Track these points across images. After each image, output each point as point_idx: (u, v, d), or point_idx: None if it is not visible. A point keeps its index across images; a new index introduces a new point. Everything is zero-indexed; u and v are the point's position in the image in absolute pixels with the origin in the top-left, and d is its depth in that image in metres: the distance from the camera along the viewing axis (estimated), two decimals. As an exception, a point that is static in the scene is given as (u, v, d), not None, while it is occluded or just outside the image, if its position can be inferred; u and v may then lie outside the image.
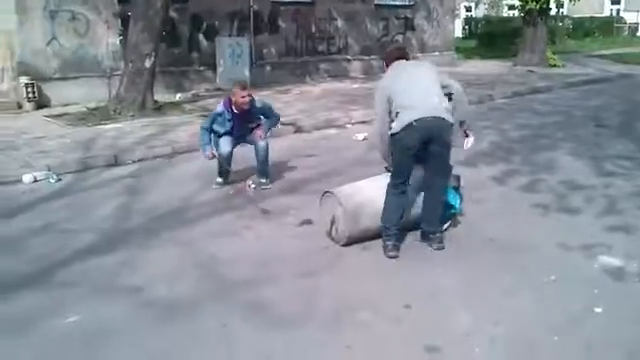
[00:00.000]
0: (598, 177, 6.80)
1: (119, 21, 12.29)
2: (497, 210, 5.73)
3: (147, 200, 6.22)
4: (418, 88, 4.54)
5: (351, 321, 3.69)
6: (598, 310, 3.73)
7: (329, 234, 4.96)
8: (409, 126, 4.40)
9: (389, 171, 4.85)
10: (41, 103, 11.41)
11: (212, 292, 4.08)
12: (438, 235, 4.76)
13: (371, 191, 4.85)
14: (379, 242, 4.79)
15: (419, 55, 17.74)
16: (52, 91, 11.67)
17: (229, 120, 6.31)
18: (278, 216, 5.63)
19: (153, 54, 10.60)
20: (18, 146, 8.28)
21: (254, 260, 4.61)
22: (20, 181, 6.80)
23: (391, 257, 4.63)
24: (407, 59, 4.93)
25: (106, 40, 12.28)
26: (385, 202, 4.71)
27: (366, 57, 17.17)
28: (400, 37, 17.94)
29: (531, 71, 17.90)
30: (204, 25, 13.76)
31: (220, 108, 6.34)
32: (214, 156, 6.33)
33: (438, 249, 4.71)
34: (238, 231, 5.26)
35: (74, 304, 3.91)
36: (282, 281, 4.24)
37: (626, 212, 5.59)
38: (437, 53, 19.09)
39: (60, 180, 6.90)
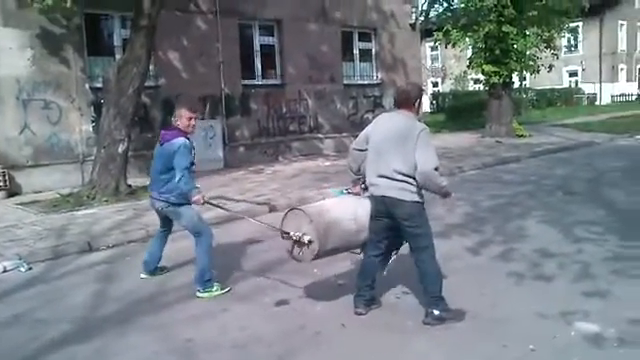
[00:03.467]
0: (570, 244, 6.90)
1: (92, 108, 12.47)
2: (472, 281, 5.75)
3: (122, 286, 6.12)
4: (382, 159, 4.64)
5: (332, 402, 3.62)
6: (579, 378, 3.73)
7: (290, 253, 4.94)
8: (371, 196, 4.78)
9: (349, 192, 5.20)
10: (13, 191, 11.38)
11: (189, 378, 3.99)
12: (429, 310, 4.72)
13: (337, 212, 4.90)
14: (357, 318, 4.84)
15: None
16: (24, 179, 11.68)
17: (193, 148, 5.67)
18: (254, 297, 5.57)
19: (126, 139, 10.69)
20: (-11, 236, 8.17)
21: (232, 343, 4.54)
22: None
23: (358, 314, 4.92)
24: (406, 107, 4.75)
25: (79, 127, 12.40)
26: (361, 263, 5.07)
27: (337, 135, 17.53)
28: (370, 115, 18.36)
29: (499, 142, 18.37)
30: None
31: (181, 139, 5.55)
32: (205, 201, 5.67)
33: (424, 323, 4.68)
34: (215, 314, 5.18)
35: (46, 398, 3.78)
36: (261, 364, 4.17)
37: (600, 277, 5.65)
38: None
39: (31, 269, 6.77)
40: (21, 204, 10.40)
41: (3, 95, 11.46)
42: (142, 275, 6.26)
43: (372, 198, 4.79)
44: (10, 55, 11.49)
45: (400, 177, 4.54)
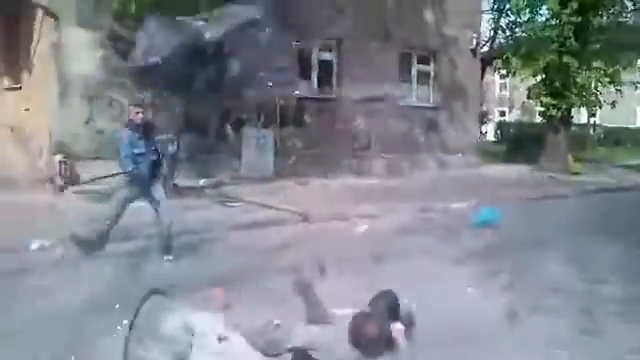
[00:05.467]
0: (579, 282, 6.91)
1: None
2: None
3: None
4: None
5: None
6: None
7: None
8: None
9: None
10: (73, 180, 12.17)
11: None
12: None
13: None
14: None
15: (440, 155, 18.49)
16: (84, 169, 12.43)
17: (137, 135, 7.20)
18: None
19: (175, 139, 11.33)
20: (39, 216, 8.86)
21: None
22: (28, 248, 7.38)
23: None
24: None
25: (137, 124, 13.13)
26: None
27: (389, 155, 17.60)
28: (422, 137, 18.52)
29: (551, 177, 18.04)
30: (231, 116, 14.52)
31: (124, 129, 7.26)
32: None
33: None
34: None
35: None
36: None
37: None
38: (460, 155, 19.50)
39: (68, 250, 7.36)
40: (78, 192, 11.16)
41: (71, 91, 12.37)
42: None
43: None
44: (80, 54, 12.39)
45: None
